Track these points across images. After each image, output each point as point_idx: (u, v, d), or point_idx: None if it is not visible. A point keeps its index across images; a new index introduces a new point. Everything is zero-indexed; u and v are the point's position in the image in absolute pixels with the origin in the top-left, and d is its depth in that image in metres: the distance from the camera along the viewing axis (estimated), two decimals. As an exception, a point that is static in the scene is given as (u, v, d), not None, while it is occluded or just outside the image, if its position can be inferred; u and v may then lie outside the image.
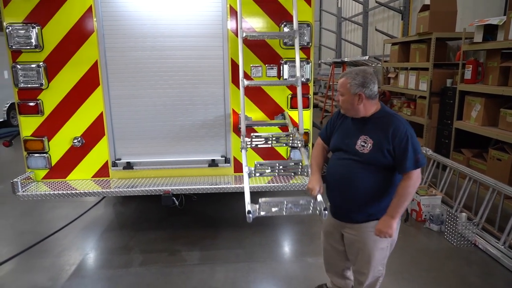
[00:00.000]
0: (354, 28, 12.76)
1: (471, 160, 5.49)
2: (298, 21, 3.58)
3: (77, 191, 3.58)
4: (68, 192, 3.57)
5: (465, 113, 5.53)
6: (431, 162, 5.10)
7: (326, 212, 2.34)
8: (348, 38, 13.39)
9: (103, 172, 3.85)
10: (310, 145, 3.99)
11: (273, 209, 2.49)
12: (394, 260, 3.52)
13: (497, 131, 4.81)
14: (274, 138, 3.30)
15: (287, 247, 3.96)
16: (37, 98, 3.63)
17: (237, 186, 3.67)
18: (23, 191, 3.54)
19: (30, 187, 3.65)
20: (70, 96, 3.66)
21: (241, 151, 3.18)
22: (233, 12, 3.63)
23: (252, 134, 3.30)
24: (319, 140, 2.54)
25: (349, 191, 2.25)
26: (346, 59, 11.15)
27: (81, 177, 3.83)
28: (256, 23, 3.69)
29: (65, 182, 3.78)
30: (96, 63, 3.63)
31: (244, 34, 3.44)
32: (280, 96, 3.83)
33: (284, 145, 3.48)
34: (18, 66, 3.54)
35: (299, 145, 3.29)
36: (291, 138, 3.34)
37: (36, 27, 3.48)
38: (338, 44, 14.50)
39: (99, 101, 3.71)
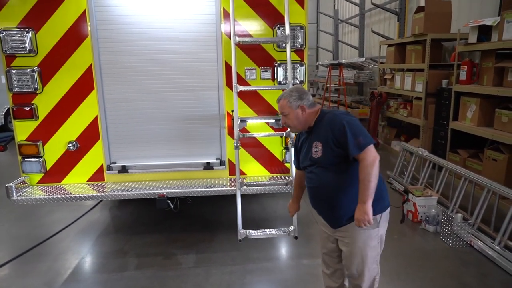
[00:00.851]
0: (351, 30, 12.79)
1: (467, 160, 5.49)
2: (292, 23, 3.61)
3: (72, 195, 3.58)
4: (63, 196, 3.57)
5: (461, 114, 5.54)
6: (427, 163, 5.10)
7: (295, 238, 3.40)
8: (345, 40, 13.42)
9: (98, 176, 3.85)
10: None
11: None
12: (390, 260, 3.52)
13: (493, 131, 4.82)
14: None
15: (283, 249, 3.96)
16: (32, 102, 3.63)
17: (232, 188, 3.67)
18: (18, 196, 3.54)
19: (25, 191, 3.65)
20: (64, 100, 3.67)
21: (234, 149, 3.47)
22: (226, 15, 3.64)
23: (244, 133, 3.60)
24: (296, 171, 2.69)
25: (323, 199, 2.31)
26: (343, 61, 11.17)
27: (76, 181, 3.83)
28: (250, 25, 3.71)
29: (60, 186, 3.78)
30: (90, 67, 3.64)
31: (237, 40, 3.47)
32: (274, 98, 3.79)
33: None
34: (12, 71, 3.55)
35: (290, 146, 3.51)
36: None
37: (30, 32, 3.49)
38: (335, 46, 14.52)
39: (94, 105, 3.71)
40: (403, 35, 8.49)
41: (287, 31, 3.51)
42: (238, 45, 3.55)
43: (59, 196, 3.56)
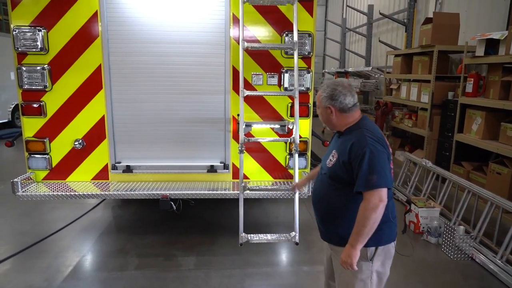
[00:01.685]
0: (358, 39, 12.84)
1: (471, 173, 5.47)
2: (300, 30, 3.64)
3: (76, 193, 3.61)
4: (67, 193, 3.59)
5: (466, 126, 5.54)
6: (431, 174, 5.09)
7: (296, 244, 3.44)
8: (352, 48, 13.47)
9: (102, 174, 3.88)
10: (308, 154, 4.01)
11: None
12: (391, 271, 3.50)
13: (498, 145, 4.81)
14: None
15: (283, 255, 3.96)
16: (41, 99, 3.68)
17: (235, 192, 3.69)
18: (23, 191, 3.57)
19: (30, 187, 3.68)
20: (73, 98, 3.71)
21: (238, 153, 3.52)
22: (236, 20, 3.68)
23: (249, 138, 3.63)
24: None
25: (320, 208, 2.20)
26: (349, 69, 11.20)
27: (81, 179, 3.86)
28: (258, 31, 3.74)
29: (65, 183, 3.81)
30: (99, 67, 3.68)
31: (245, 45, 3.50)
32: (280, 104, 3.86)
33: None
34: (23, 68, 3.60)
35: (294, 152, 3.52)
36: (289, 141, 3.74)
37: (42, 30, 3.54)
38: (342, 54, 14.57)
39: (101, 104, 3.75)
40: (410, 45, 8.51)
41: (295, 38, 3.54)
42: (246, 50, 3.58)
43: (63, 193, 3.59)
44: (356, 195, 1.96)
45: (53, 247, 4.00)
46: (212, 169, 3.93)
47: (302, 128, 3.83)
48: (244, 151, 3.58)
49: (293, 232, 3.47)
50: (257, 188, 3.68)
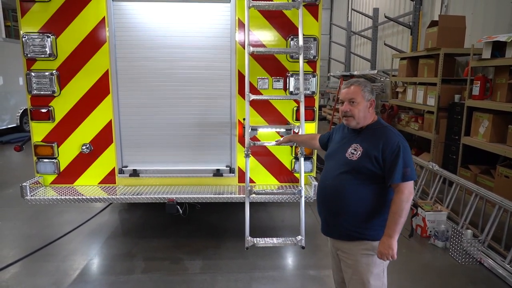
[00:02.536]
0: (364, 42, 12.83)
1: (478, 176, 5.42)
2: (305, 35, 3.66)
3: (84, 197, 3.64)
4: (75, 197, 3.63)
5: (473, 129, 5.50)
6: (438, 178, 5.06)
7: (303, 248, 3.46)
8: (357, 52, 13.47)
9: (109, 178, 3.92)
10: (314, 157, 4.01)
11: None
12: (397, 275, 3.49)
13: (505, 148, 4.76)
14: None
15: (289, 259, 3.95)
16: (49, 104, 3.73)
17: (241, 196, 3.70)
18: (31, 195, 3.62)
19: (38, 191, 3.73)
20: (80, 103, 3.76)
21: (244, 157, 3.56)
22: (241, 25, 3.71)
23: (255, 142, 3.66)
24: (315, 135, 2.83)
25: (336, 203, 2.18)
26: (355, 73, 11.19)
27: (88, 183, 3.90)
28: (264, 36, 3.77)
29: (73, 187, 3.86)
30: (107, 72, 3.73)
31: (251, 50, 3.53)
32: (285, 108, 3.87)
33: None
34: (32, 73, 3.66)
35: (300, 156, 3.56)
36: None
37: (51, 37, 3.60)
38: (348, 58, 14.57)
39: (109, 109, 3.79)
40: (416, 48, 8.49)
41: (301, 42, 3.56)
42: (252, 54, 3.61)
43: (71, 197, 3.63)
44: (382, 191, 2.11)
45: (61, 250, 4.04)
46: (218, 173, 3.95)
47: (308, 131, 3.84)
48: (250, 155, 3.59)
49: (299, 236, 3.47)
50: (263, 192, 3.69)
